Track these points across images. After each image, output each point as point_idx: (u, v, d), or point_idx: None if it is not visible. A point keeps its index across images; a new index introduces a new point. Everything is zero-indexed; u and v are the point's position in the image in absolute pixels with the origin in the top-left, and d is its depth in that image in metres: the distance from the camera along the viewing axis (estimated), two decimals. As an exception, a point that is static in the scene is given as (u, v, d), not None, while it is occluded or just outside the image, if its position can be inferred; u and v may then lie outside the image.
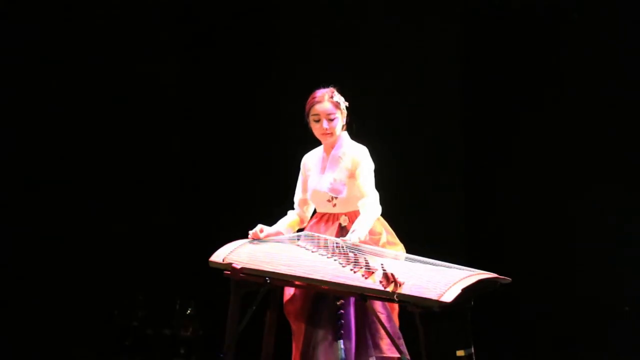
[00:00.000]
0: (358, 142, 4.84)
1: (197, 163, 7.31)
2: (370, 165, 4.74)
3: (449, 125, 6.99)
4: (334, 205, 4.73)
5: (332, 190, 4.71)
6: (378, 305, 4.55)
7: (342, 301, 4.54)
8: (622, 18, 6.61)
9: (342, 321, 4.53)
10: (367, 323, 4.57)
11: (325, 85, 4.82)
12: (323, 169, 4.78)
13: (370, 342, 4.57)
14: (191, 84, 7.33)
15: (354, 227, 4.55)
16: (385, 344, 4.55)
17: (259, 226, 4.72)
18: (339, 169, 4.73)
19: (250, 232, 4.71)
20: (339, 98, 4.76)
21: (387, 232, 4.70)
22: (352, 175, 4.71)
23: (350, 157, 4.74)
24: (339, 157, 4.75)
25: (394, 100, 6.93)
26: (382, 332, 4.50)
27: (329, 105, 4.73)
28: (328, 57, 6.94)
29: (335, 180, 4.72)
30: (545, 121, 6.84)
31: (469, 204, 6.99)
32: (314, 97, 4.76)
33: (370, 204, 4.63)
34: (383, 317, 4.53)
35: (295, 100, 4.90)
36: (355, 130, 4.85)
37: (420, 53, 6.94)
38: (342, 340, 4.51)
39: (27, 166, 6.97)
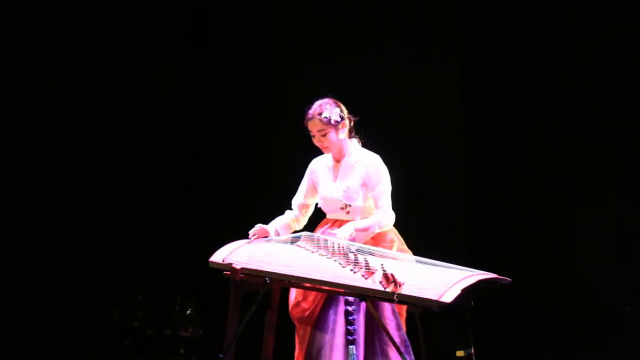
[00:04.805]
0: (358, 142, 4.83)
1: (197, 164, 7.31)
2: (386, 177, 4.72)
3: (450, 125, 6.99)
4: (348, 212, 4.72)
5: (346, 198, 4.70)
6: (388, 313, 4.55)
7: (354, 307, 4.54)
8: (620, 18, 6.62)
9: (354, 327, 4.53)
10: (376, 330, 4.56)
11: (323, 94, 4.77)
12: (335, 177, 4.76)
13: (378, 350, 4.56)
14: (191, 86, 7.33)
15: (349, 224, 4.57)
16: (394, 352, 4.54)
17: (258, 225, 4.73)
18: (352, 177, 4.71)
19: (251, 232, 4.71)
20: (329, 113, 4.70)
21: (399, 241, 4.70)
22: (365, 184, 4.70)
23: (363, 165, 4.72)
24: (352, 165, 4.73)
25: (394, 100, 6.93)
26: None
27: (318, 122, 4.70)
28: (328, 57, 6.95)
29: (349, 188, 4.70)
30: (545, 121, 6.84)
31: (469, 204, 6.99)
32: (307, 115, 4.73)
33: (381, 215, 4.64)
34: (392, 325, 4.53)
35: (296, 101, 4.89)
36: (364, 135, 4.84)
37: (421, 53, 6.95)
38: (353, 347, 4.50)
39: (28, 165, 6.96)
